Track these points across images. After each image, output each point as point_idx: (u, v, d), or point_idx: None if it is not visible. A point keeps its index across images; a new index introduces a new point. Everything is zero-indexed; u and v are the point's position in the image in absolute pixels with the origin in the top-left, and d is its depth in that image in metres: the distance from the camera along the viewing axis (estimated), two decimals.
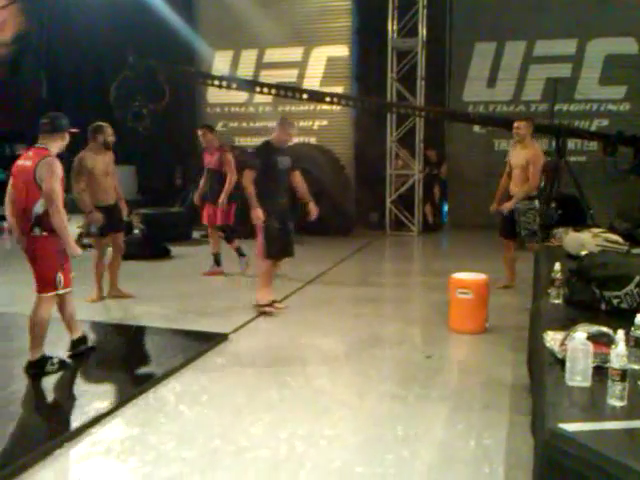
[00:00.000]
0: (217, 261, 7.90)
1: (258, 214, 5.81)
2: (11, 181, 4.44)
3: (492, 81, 11.83)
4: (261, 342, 5.29)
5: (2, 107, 14.15)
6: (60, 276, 4.41)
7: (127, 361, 4.92)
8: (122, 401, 3.97)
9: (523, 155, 6.59)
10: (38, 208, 4.26)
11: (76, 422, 3.64)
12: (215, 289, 7.17)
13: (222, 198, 7.52)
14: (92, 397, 4.01)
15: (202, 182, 7.93)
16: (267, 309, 6.04)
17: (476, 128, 11.79)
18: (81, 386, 4.26)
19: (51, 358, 4.47)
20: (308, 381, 4.44)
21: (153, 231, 9.68)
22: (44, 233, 4.29)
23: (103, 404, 3.88)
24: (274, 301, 6.18)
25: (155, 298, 6.71)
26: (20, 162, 4.35)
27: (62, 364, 4.51)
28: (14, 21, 14.59)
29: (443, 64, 11.88)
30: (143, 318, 5.96)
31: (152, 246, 9.22)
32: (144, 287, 7.08)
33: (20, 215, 4.36)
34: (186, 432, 3.60)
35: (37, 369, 4.37)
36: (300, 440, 3.47)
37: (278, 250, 6.04)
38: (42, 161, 4.24)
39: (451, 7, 11.72)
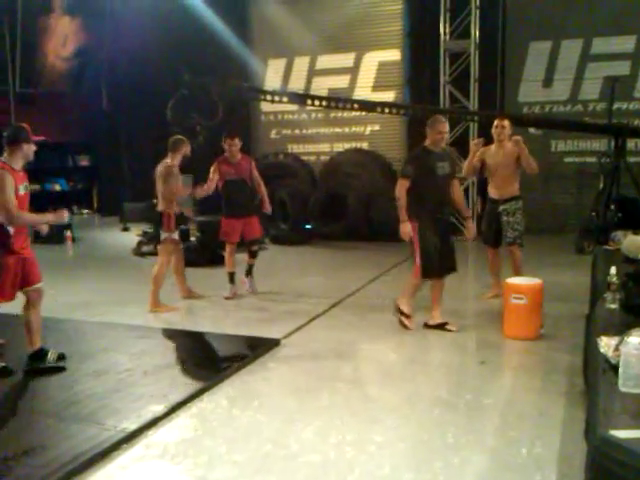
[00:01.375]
0: (233, 280, 7.18)
1: (405, 229, 5.39)
2: None
3: (548, 81, 11.56)
4: (312, 348, 5.32)
5: (65, 119, 14.75)
6: None
7: (182, 366, 5.02)
8: (177, 405, 4.06)
9: (504, 153, 6.40)
10: None
11: (133, 425, 3.75)
12: (268, 295, 7.23)
13: (268, 206, 7.21)
14: (148, 401, 4.12)
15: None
16: (403, 319, 5.63)
17: (532, 129, 11.55)
18: (138, 389, 4.37)
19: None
20: (359, 387, 4.45)
21: (208, 238, 9.84)
22: None
23: (159, 407, 3.99)
24: (406, 315, 5.64)
25: (209, 304, 6.85)
26: None
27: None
28: (75, 37, 15.18)
29: (497, 65, 11.69)
30: (197, 323, 6.09)
31: (208, 253, 9.38)
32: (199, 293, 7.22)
33: None
34: (238, 436, 3.67)
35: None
36: (350, 446, 3.49)
37: (434, 269, 5.50)
38: None
39: (504, 7, 11.51)
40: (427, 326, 5.62)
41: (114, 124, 14.93)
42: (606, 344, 2.80)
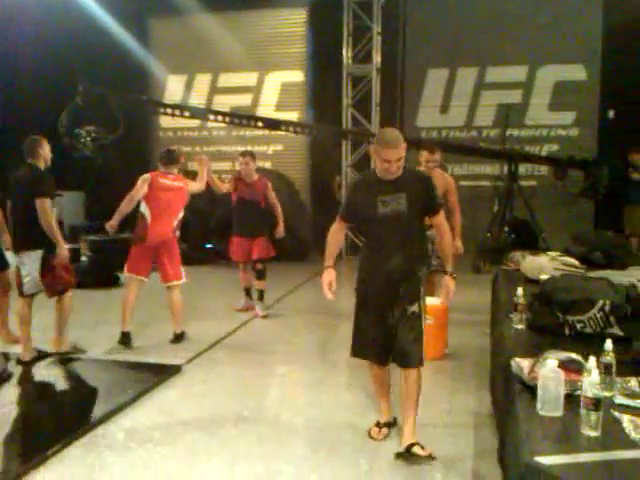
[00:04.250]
0: (249, 294, 7.20)
1: (324, 278, 3.74)
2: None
3: (445, 107, 11.97)
4: (216, 373, 5.08)
5: None
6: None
7: (73, 396, 4.66)
8: (68, 441, 3.70)
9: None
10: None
11: (17, 466, 3.39)
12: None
13: (281, 230, 7.03)
14: (33, 437, 3.76)
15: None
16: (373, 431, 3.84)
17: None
18: (21, 425, 3.98)
19: None
20: (266, 413, 4.26)
21: (101, 258, 9.36)
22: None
23: (47, 444, 3.63)
24: (384, 424, 3.86)
25: (102, 328, 6.39)
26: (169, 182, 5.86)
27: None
28: None
29: (397, 90, 11.98)
30: (90, 349, 5.66)
31: (100, 274, 8.89)
32: (91, 316, 6.76)
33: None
34: (137, 473, 3.39)
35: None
36: (258, 478, 3.30)
37: (364, 348, 3.75)
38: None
39: (404, 34, 11.85)
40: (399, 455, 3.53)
41: (3, 135, 14.03)
42: (519, 365, 2.79)
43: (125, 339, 5.66)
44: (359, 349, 3.79)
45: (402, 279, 3.60)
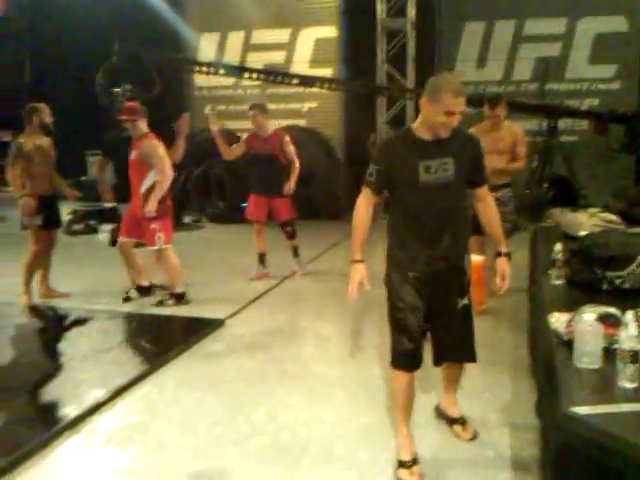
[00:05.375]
0: (263, 262, 6.89)
1: (354, 274, 3.05)
2: None
3: (482, 61, 11.74)
4: (258, 327, 5.25)
5: None
6: None
7: (123, 349, 4.86)
8: (120, 389, 3.92)
9: (501, 136, 5.51)
10: None
11: (74, 411, 3.59)
12: (209, 276, 7.05)
13: (291, 185, 6.58)
14: (89, 386, 3.97)
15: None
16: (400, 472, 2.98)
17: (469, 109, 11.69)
18: (77, 374, 4.20)
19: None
20: (306, 366, 4.41)
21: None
22: None
23: (101, 392, 3.84)
24: (412, 460, 2.99)
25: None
26: None
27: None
28: None
29: (433, 44, 11.77)
30: (138, 305, 5.87)
31: None
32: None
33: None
34: (186, 419, 3.57)
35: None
36: (301, 426, 3.45)
37: (409, 355, 3.00)
38: None
39: None
40: (438, 411, 3.55)
41: (38, 98, 14.22)
42: (557, 320, 2.85)
43: (183, 297, 5.80)
44: (402, 360, 3.02)
45: (448, 266, 3.00)
